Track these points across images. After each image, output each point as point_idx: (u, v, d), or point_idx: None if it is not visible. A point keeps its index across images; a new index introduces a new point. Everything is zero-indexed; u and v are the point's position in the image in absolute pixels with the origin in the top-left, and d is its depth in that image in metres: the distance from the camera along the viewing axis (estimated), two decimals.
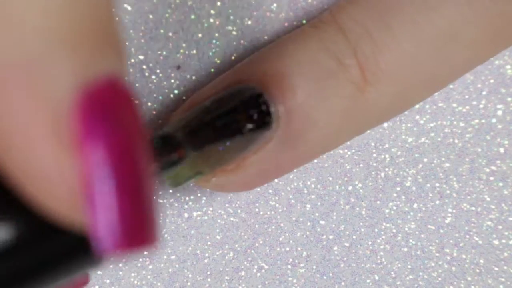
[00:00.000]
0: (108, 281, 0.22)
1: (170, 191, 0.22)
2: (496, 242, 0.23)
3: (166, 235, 0.22)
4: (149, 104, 0.22)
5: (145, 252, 0.21)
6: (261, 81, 0.19)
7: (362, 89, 0.19)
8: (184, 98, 0.22)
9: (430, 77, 0.20)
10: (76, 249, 0.13)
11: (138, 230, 0.13)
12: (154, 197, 0.13)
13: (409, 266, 0.22)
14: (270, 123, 0.19)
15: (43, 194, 0.12)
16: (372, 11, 0.19)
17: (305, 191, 0.22)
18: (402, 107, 0.21)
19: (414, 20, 0.19)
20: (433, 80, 0.20)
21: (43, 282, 0.13)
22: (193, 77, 0.22)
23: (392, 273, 0.22)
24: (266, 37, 0.22)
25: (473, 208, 0.23)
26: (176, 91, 0.22)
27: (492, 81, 0.23)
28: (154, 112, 0.22)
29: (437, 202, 0.22)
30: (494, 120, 0.23)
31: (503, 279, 0.22)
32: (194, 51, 0.22)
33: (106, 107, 0.12)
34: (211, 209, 0.22)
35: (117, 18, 0.13)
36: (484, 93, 0.23)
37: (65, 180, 0.12)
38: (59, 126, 0.12)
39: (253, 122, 0.19)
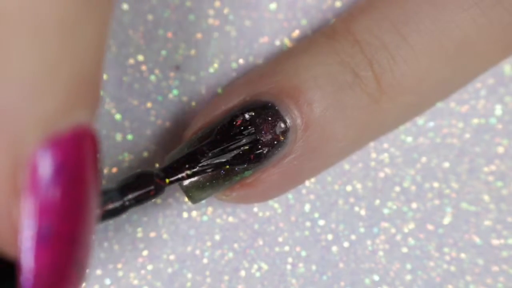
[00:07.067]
0: (108, 281, 0.22)
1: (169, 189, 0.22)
2: (495, 242, 0.22)
3: (165, 235, 0.22)
4: (149, 104, 0.22)
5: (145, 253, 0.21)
6: (277, 95, 0.19)
7: (378, 100, 0.19)
8: (183, 98, 0.22)
9: (444, 85, 0.20)
10: (4, 274, 0.14)
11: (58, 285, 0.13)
12: (88, 255, 0.13)
13: (408, 266, 0.22)
14: (288, 138, 0.19)
15: None
16: (387, 23, 0.19)
17: (304, 191, 0.22)
18: (414, 114, 0.21)
19: (430, 31, 0.19)
20: (446, 88, 0.20)
21: None
22: (192, 78, 0.22)
23: (391, 273, 0.22)
24: (265, 38, 0.22)
25: (472, 208, 0.22)
26: (175, 91, 0.22)
27: (491, 80, 0.23)
28: (153, 113, 0.22)
29: (436, 202, 0.22)
30: (493, 120, 0.22)
31: (502, 279, 0.22)
32: (193, 52, 0.22)
33: (64, 163, 0.12)
34: (210, 209, 0.22)
35: (101, 73, 0.13)
36: (483, 92, 0.23)
37: (10, 220, 0.12)
38: (16, 172, 0.12)
39: (272, 139, 0.19)
